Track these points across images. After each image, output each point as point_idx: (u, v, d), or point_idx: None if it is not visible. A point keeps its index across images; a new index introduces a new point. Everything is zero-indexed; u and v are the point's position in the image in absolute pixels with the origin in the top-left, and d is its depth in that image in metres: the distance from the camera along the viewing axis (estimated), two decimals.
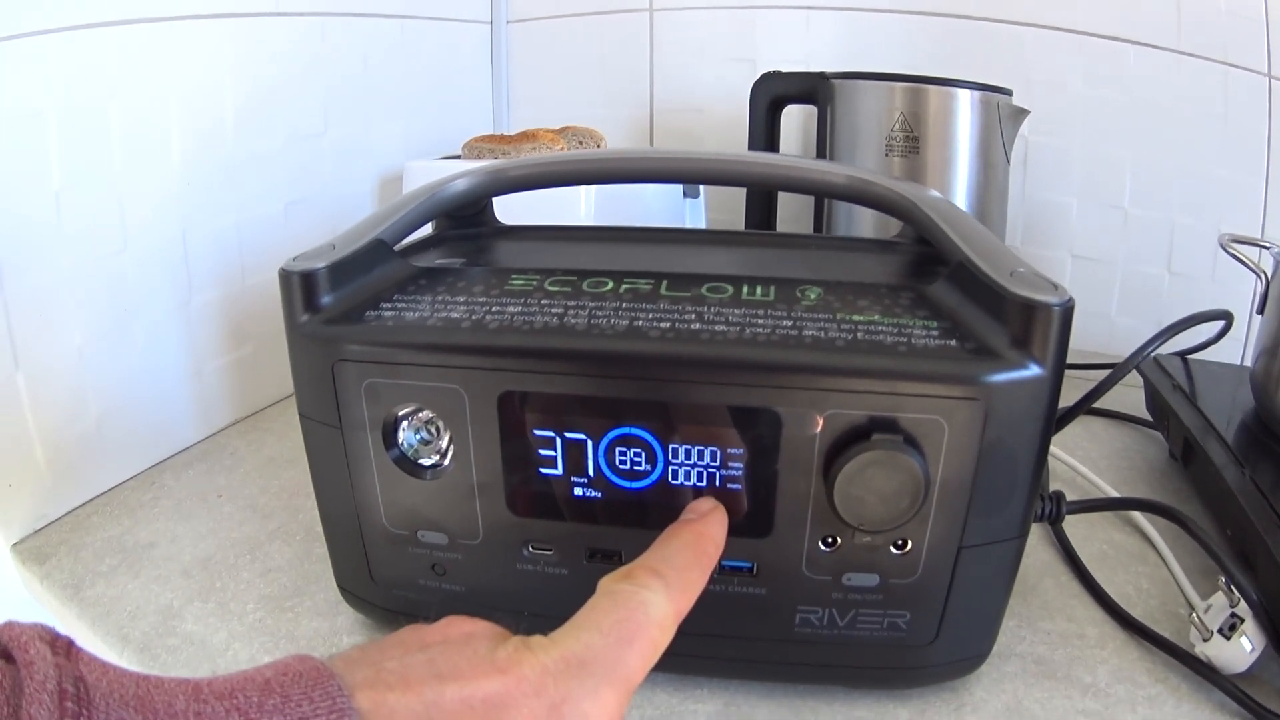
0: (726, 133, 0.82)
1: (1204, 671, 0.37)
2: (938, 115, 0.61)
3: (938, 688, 0.36)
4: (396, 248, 0.37)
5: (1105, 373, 0.49)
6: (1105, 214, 0.77)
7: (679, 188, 0.67)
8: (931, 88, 0.60)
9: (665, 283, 0.32)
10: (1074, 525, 0.49)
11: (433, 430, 0.33)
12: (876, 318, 0.30)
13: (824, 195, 0.36)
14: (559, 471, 0.32)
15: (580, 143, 0.67)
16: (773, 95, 0.66)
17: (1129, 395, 0.62)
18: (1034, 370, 0.29)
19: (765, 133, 0.67)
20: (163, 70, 0.51)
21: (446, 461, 0.33)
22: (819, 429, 0.29)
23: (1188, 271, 0.74)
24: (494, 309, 0.32)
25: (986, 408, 0.28)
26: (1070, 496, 0.51)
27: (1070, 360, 0.64)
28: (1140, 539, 0.48)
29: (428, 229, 0.41)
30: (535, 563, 0.34)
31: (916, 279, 0.34)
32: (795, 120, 0.78)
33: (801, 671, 0.34)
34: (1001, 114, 0.62)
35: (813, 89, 0.64)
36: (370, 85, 0.69)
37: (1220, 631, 0.38)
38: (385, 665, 0.19)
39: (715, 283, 0.32)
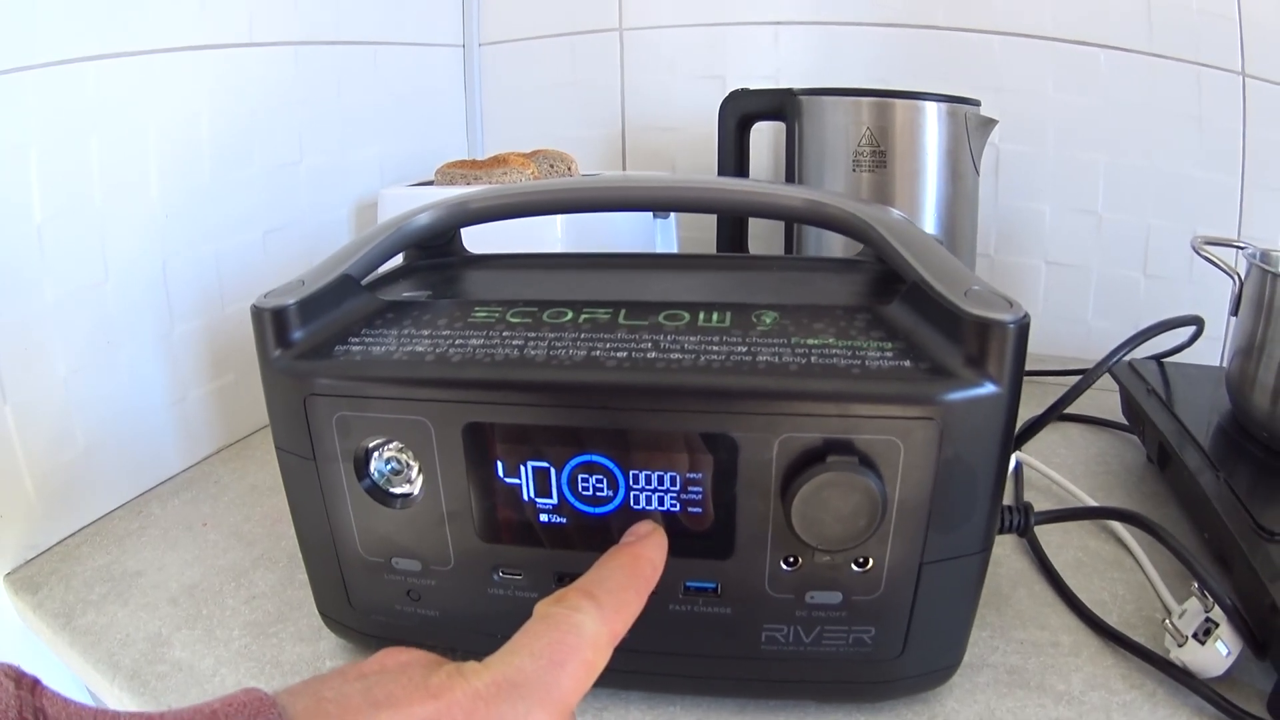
0: (698, 150, 0.83)
1: (1180, 676, 0.37)
2: (904, 129, 0.61)
3: (909, 700, 0.36)
4: (367, 280, 0.37)
5: (1052, 378, 0.49)
6: (1079, 219, 0.77)
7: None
8: (898, 101, 0.60)
9: (624, 311, 0.33)
10: (1048, 533, 0.49)
11: (402, 461, 0.34)
12: (831, 340, 0.30)
13: (781, 218, 0.36)
14: (524, 499, 0.32)
15: (551, 166, 0.67)
16: (741, 113, 0.67)
17: (1106, 400, 0.63)
18: (989, 388, 0.29)
19: (735, 150, 0.67)
20: (140, 103, 0.52)
21: (416, 491, 0.33)
22: (774, 453, 0.29)
23: (1164, 274, 0.74)
24: (457, 342, 0.32)
25: (942, 427, 0.28)
26: (1045, 504, 0.52)
27: (1046, 365, 0.65)
28: (1116, 545, 0.49)
29: (398, 260, 0.42)
30: (506, 587, 0.34)
31: (874, 299, 0.35)
32: (765, 137, 0.78)
33: (771, 688, 0.35)
34: (969, 125, 0.62)
35: (781, 105, 0.64)
36: (345, 112, 0.69)
37: (1195, 636, 0.38)
38: (324, 694, 0.19)
39: (673, 310, 0.33)
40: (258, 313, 0.34)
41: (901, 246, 0.32)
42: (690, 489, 0.30)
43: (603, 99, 0.88)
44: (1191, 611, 0.38)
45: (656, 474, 0.30)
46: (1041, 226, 0.78)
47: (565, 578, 0.33)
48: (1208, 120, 0.72)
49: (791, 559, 0.31)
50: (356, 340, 0.34)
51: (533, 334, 0.32)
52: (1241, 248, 0.57)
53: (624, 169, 0.90)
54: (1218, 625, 0.37)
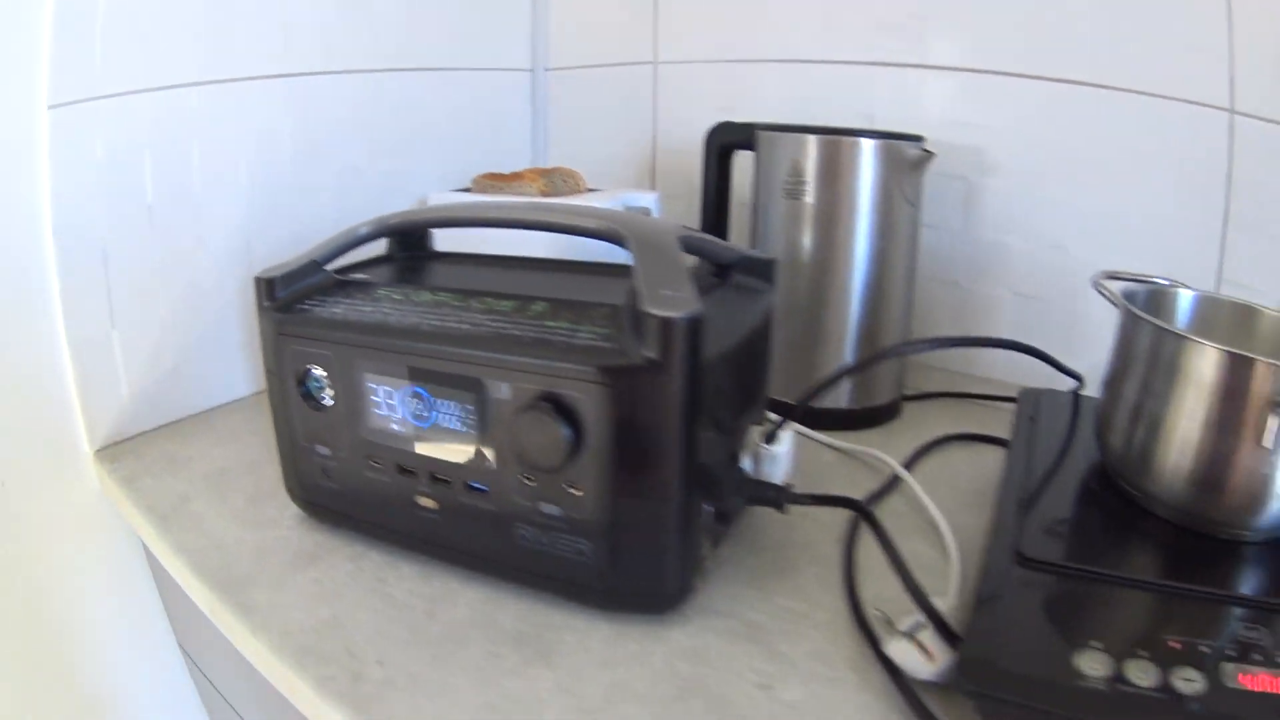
0: None
1: (890, 670, 0.45)
2: (828, 163, 0.73)
3: (646, 619, 0.50)
4: (349, 263, 0.57)
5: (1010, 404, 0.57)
6: (1046, 254, 0.83)
7: None
8: (831, 138, 0.73)
9: (475, 298, 0.50)
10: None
11: (323, 380, 0.53)
12: (565, 324, 0.46)
13: (571, 234, 0.49)
14: (383, 413, 0.50)
15: (564, 181, 0.85)
16: (721, 143, 0.82)
17: None
18: (655, 367, 0.43)
19: (716, 174, 0.82)
20: (234, 119, 0.77)
21: (330, 401, 0.52)
22: (510, 395, 0.45)
23: None
24: (361, 307, 0.52)
25: (613, 392, 0.43)
26: (899, 508, 0.62)
27: (1005, 392, 0.76)
28: (934, 545, 0.58)
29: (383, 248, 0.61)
30: (374, 472, 0.53)
31: (626, 296, 0.49)
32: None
33: (530, 578, 0.51)
34: (902, 160, 0.73)
35: (749, 138, 0.78)
36: (415, 126, 0.93)
37: (906, 635, 0.45)
38: None
39: (505, 298, 0.51)
40: (257, 280, 0.56)
41: (638, 254, 0.47)
42: (470, 415, 0.47)
43: (639, 123, 1.07)
44: (916, 613, 0.46)
45: (451, 403, 0.47)
46: (1009, 258, 0.85)
47: (404, 470, 0.51)
48: (1190, 158, 0.75)
49: (529, 476, 0.46)
50: (312, 303, 0.54)
51: (407, 306, 0.51)
52: (1143, 282, 0.62)
53: (653, 186, 1.06)
54: (926, 628, 0.44)
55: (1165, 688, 0.40)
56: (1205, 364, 0.52)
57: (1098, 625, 0.44)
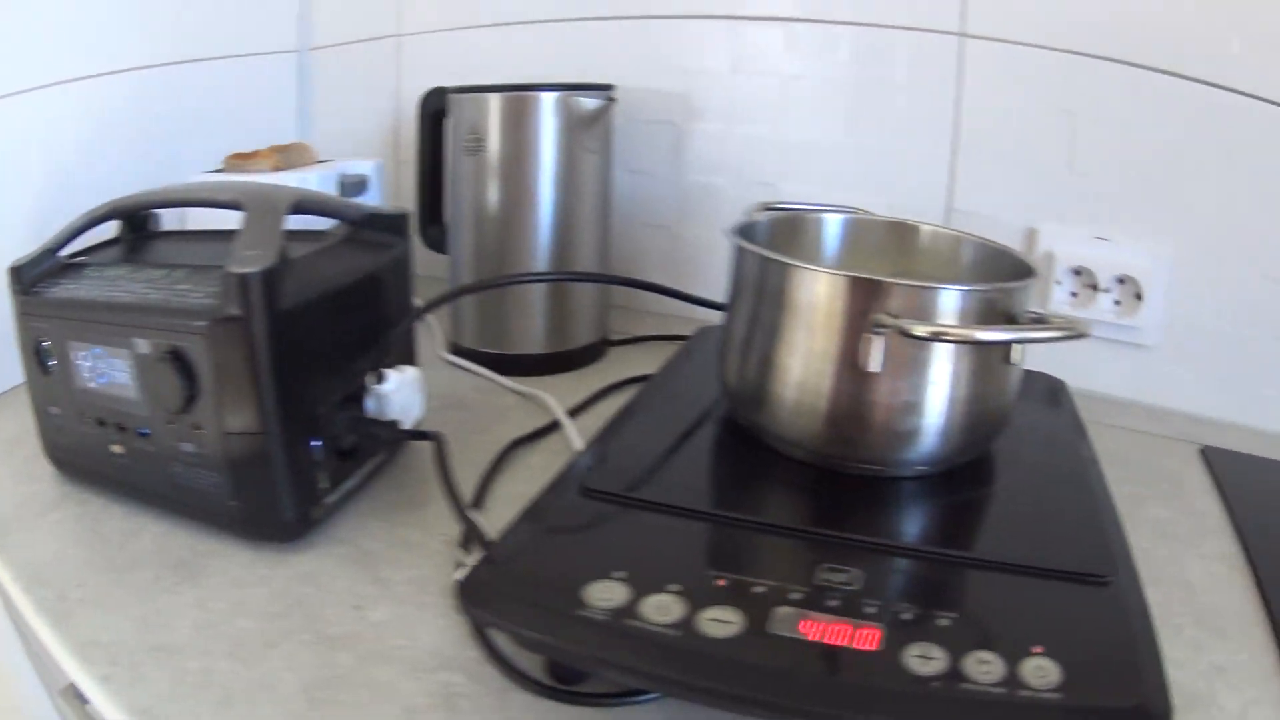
0: None
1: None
2: (510, 120, 0.81)
3: (279, 546, 0.59)
4: (86, 245, 0.69)
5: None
6: (755, 193, 0.89)
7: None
8: (504, 95, 0.81)
9: (147, 269, 0.62)
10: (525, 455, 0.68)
11: (49, 350, 0.64)
12: (190, 286, 0.55)
13: (210, 206, 0.56)
14: (82, 374, 0.62)
15: (297, 155, 0.97)
16: (433, 109, 0.91)
17: None
18: (236, 318, 0.53)
19: (429, 139, 0.91)
20: (28, 126, 0.88)
21: (55, 367, 0.63)
22: (151, 350, 0.55)
23: None
24: (70, 286, 0.65)
25: (211, 343, 0.53)
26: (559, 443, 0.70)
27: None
28: None
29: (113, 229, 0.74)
30: (84, 426, 0.65)
31: None
32: None
33: (191, 511, 0.62)
34: (580, 111, 0.82)
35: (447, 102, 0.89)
36: (190, 114, 1.06)
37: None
38: None
39: (182, 268, 0.61)
40: (9, 270, 0.67)
41: (245, 219, 0.57)
42: (129, 369, 0.59)
43: (386, 94, 1.16)
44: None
45: (117, 360, 0.58)
46: (720, 200, 0.93)
47: (103, 422, 0.62)
48: (917, 86, 0.79)
49: (169, 419, 0.56)
50: (44, 285, 0.67)
51: (99, 282, 0.63)
52: (791, 209, 0.66)
53: (396, 154, 1.19)
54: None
55: (684, 625, 0.39)
56: (798, 287, 0.51)
57: (638, 558, 0.44)
